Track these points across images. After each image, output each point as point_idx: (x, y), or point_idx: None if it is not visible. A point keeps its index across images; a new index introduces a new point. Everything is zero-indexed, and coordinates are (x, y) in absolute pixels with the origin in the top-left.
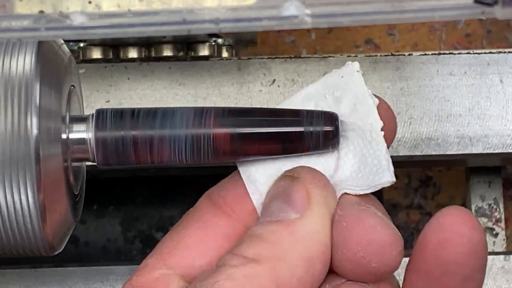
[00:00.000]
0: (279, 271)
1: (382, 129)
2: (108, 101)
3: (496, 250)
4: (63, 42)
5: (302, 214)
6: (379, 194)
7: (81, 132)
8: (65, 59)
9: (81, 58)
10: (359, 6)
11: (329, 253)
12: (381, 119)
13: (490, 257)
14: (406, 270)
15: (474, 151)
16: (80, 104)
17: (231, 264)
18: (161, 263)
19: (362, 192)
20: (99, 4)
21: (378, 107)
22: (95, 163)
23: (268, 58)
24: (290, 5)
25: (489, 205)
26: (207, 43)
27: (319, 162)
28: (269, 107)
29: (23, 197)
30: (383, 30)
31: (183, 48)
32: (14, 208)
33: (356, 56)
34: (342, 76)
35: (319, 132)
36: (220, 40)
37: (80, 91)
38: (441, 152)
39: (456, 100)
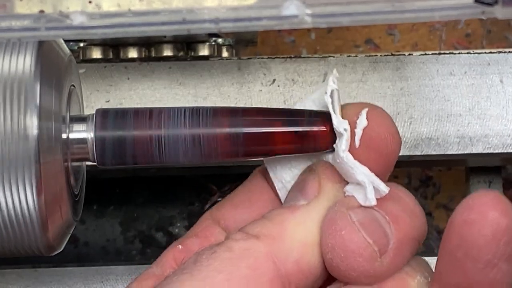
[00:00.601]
0: (276, 249)
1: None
2: (108, 101)
3: None
4: (63, 42)
5: (309, 201)
6: None
7: (81, 132)
8: (65, 59)
9: (81, 58)
10: (359, 6)
11: None
12: (373, 125)
13: None
14: (439, 249)
15: (474, 151)
16: (80, 104)
17: (234, 238)
18: (209, 214)
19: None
20: (99, 4)
21: (369, 113)
22: (95, 163)
23: (268, 58)
24: (290, 5)
25: None
26: (207, 43)
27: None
28: (269, 107)
29: (23, 197)
30: (383, 30)
31: (183, 48)
32: (14, 208)
33: (356, 56)
34: (325, 92)
35: (316, 132)
36: (220, 40)
37: (80, 91)
38: (441, 152)
39: (456, 100)
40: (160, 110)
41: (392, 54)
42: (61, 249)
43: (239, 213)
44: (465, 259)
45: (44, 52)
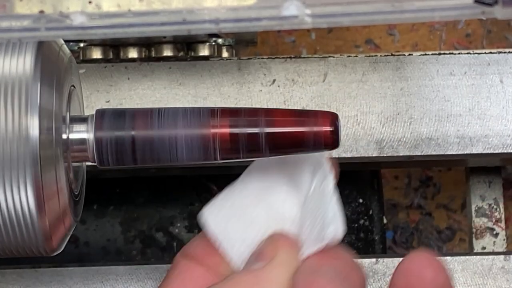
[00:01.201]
0: None
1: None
2: (108, 101)
3: (496, 250)
4: (63, 42)
5: (265, 264)
6: (379, 195)
7: (81, 133)
8: (65, 59)
9: (81, 58)
10: (359, 6)
11: None
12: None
13: (490, 257)
14: None
15: (474, 151)
16: (80, 104)
17: None
18: None
19: (315, 249)
20: (99, 4)
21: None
22: (95, 163)
23: (268, 58)
24: (290, 5)
25: (489, 205)
26: (207, 43)
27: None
28: (269, 107)
29: (23, 198)
30: (383, 30)
31: (183, 48)
32: (14, 208)
33: (356, 56)
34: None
35: (319, 132)
36: (220, 40)
37: (80, 91)
38: (441, 152)
39: (456, 100)
40: (160, 110)
41: (392, 54)
42: (62, 250)
43: None
44: None
45: (44, 53)
